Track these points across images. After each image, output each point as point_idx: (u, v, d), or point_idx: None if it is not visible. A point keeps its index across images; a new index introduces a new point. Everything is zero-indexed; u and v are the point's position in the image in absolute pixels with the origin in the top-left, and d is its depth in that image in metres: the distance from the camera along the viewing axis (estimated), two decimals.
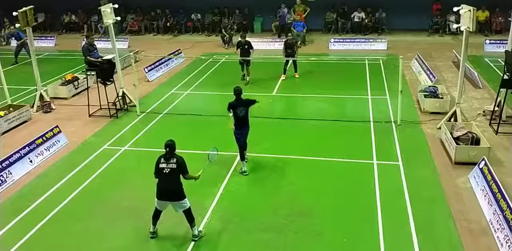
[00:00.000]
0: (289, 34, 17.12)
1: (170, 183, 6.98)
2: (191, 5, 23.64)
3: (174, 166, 6.94)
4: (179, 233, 7.45)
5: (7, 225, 7.82)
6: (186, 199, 7.10)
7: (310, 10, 21.24)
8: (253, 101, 9.21)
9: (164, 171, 6.96)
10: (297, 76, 15.77)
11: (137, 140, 11.17)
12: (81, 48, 12.67)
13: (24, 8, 12.30)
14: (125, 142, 10.99)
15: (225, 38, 21.06)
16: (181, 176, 7.03)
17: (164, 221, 7.50)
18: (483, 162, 8.51)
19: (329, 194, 8.51)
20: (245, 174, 9.23)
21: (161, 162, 7.02)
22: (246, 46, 14.99)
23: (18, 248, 7.25)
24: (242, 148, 9.28)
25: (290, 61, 15.69)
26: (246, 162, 9.39)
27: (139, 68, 15.62)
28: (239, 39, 15.32)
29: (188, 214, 7.16)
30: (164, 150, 7.00)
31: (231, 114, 9.15)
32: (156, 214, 7.25)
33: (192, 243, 7.19)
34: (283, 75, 15.76)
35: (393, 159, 9.69)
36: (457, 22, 14.37)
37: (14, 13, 12.21)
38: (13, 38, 19.64)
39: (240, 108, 8.98)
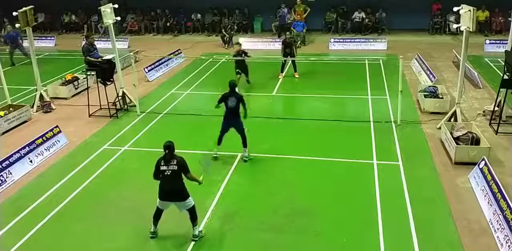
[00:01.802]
0: (287, 33, 16.89)
1: (173, 185, 6.93)
2: (191, 5, 23.65)
3: (175, 167, 6.88)
4: (179, 233, 7.45)
5: (7, 225, 7.82)
6: (190, 198, 7.05)
7: (310, 10, 21.23)
8: (243, 100, 9.54)
9: (166, 173, 6.90)
10: (297, 76, 15.74)
11: (137, 140, 11.16)
12: (81, 48, 12.66)
13: (24, 8, 12.30)
14: (125, 142, 10.98)
15: (225, 38, 21.06)
16: (183, 176, 6.99)
17: (164, 221, 7.50)
18: (483, 162, 8.51)
19: (329, 194, 8.51)
20: (214, 155, 9.76)
21: (162, 164, 6.94)
22: (242, 55, 14.30)
23: (18, 248, 7.25)
24: (221, 135, 9.74)
25: (289, 62, 15.69)
26: (215, 152, 9.79)
27: (139, 68, 15.62)
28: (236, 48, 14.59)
29: (192, 212, 7.13)
30: (164, 152, 6.94)
31: (220, 105, 9.70)
32: (157, 214, 7.23)
33: (192, 243, 7.18)
34: (280, 74, 15.80)
35: (393, 159, 9.69)
36: (457, 22, 14.35)
37: (14, 13, 12.21)
38: (9, 41, 18.90)
39: (231, 98, 9.44)
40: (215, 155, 9.77)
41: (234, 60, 14.53)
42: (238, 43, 14.96)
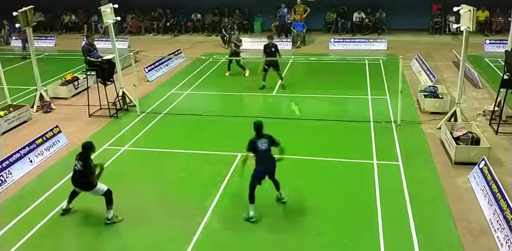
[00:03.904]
0: (237, 32, 17.27)
1: (80, 178, 7.65)
2: (191, 5, 23.66)
3: (82, 168, 7.52)
4: (179, 234, 7.47)
5: (7, 225, 7.82)
6: (98, 186, 7.61)
7: (310, 10, 21.23)
8: (275, 141, 7.77)
9: (75, 168, 7.64)
10: (246, 74, 16.07)
11: (137, 140, 11.16)
12: (81, 48, 12.66)
13: (24, 8, 12.30)
14: (125, 142, 10.98)
15: (225, 38, 21.05)
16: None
17: (163, 222, 7.52)
18: (483, 162, 8.51)
19: (329, 194, 8.51)
20: (252, 220, 7.67)
21: (76, 158, 7.65)
22: (273, 49, 14.27)
23: (18, 248, 7.25)
24: (254, 188, 7.71)
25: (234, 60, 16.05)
26: (250, 215, 7.73)
27: (139, 68, 15.62)
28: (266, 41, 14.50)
29: (107, 198, 7.69)
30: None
31: (250, 153, 7.76)
32: (74, 193, 7.91)
33: (192, 243, 7.18)
34: (228, 71, 16.29)
35: (393, 159, 9.69)
36: (457, 22, 14.35)
37: (14, 13, 12.21)
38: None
39: (261, 141, 7.63)
40: (252, 220, 7.69)
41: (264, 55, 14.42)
42: (271, 36, 14.72)
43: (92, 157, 7.72)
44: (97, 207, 8.28)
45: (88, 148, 7.60)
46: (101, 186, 7.67)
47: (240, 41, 16.22)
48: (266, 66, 14.38)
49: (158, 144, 10.89)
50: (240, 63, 16.05)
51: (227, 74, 16.26)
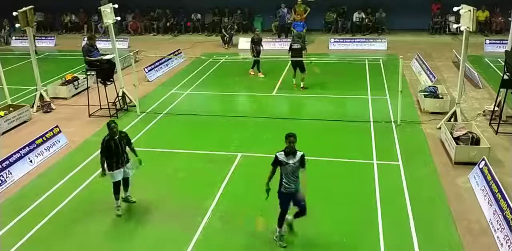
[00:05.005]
0: (257, 29, 17.32)
1: None
2: (191, 5, 23.66)
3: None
4: (179, 234, 7.47)
5: (7, 224, 7.82)
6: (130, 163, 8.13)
7: (310, 10, 21.23)
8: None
9: None
10: (261, 75, 16.03)
11: (137, 140, 11.13)
12: (81, 48, 12.65)
13: (24, 8, 12.30)
14: None
15: (225, 38, 21.06)
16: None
17: (163, 222, 7.51)
18: (483, 162, 8.51)
19: (329, 194, 8.51)
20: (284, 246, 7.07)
21: None
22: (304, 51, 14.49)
23: (18, 248, 7.25)
24: (286, 213, 7.07)
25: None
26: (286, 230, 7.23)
27: (139, 68, 15.62)
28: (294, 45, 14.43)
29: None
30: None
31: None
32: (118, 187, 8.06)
33: (192, 244, 7.18)
34: (252, 70, 16.18)
35: (393, 159, 9.68)
36: (457, 22, 14.35)
37: (14, 13, 12.21)
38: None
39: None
40: (284, 246, 7.10)
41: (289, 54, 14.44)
42: (303, 42, 14.79)
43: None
44: (98, 207, 8.30)
45: (111, 127, 7.72)
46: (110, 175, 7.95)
47: (261, 40, 16.32)
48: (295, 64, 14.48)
49: (158, 144, 10.89)
50: (259, 62, 16.19)
51: (252, 73, 16.21)
